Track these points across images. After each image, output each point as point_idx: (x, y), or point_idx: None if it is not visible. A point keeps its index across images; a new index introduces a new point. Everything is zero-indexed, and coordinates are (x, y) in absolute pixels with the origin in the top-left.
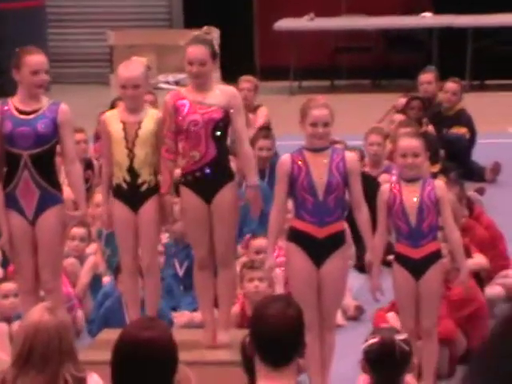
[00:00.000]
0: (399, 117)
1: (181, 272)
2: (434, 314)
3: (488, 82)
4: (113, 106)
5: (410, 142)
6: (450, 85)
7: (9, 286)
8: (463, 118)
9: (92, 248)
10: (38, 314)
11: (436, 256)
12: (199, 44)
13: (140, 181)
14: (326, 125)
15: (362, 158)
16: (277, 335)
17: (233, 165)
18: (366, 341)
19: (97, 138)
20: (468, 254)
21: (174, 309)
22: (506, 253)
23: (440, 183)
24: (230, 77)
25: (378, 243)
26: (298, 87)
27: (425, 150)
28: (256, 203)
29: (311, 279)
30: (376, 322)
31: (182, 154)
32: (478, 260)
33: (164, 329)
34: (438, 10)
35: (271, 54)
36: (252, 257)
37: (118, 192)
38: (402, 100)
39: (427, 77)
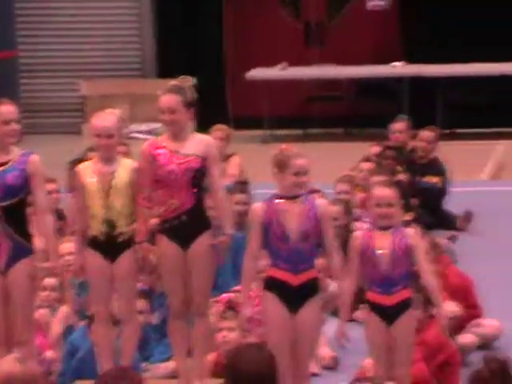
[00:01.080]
0: (367, 165)
1: (155, 320)
2: (407, 361)
3: (458, 130)
4: (84, 156)
5: (384, 192)
6: (427, 133)
7: None
8: (436, 167)
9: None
10: (8, 364)
11: (408, 303)
12: (171, 93)
13: (117, 232)
14: (306, 173)
15: (346, 211)
16: (250, 381)
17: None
18: None
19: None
20: None
21: (147, 358)
22: (477, 301)
23: (411, 231)
24: (203, 126)
25: (348, 289)
26: (271, 136)
27: (398, 199)
28: (224, 250)
29: (286, 327)
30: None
31: (161, 201)
32: (451, 308)
33: (137, 380)
34: (408, 59)
35: (244, 104)
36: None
37: (94, 243)
38: (374, 148)
39: (399, 126)
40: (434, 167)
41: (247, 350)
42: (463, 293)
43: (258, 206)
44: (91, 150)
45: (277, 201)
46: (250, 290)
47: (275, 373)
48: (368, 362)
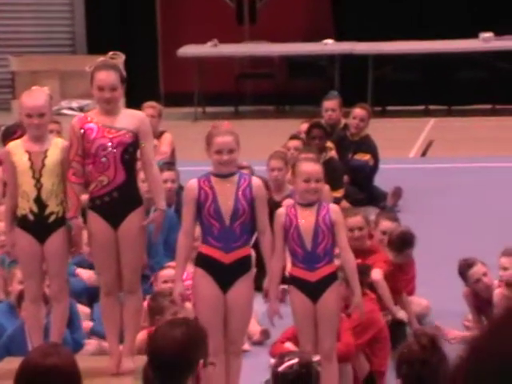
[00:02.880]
0: (294, 143)
1: None
2: (332, 335)
3: (389, 107)
4: (10, 132)
5: (313, 167)
6: (358, 111)
7: None
8: (368, 145)
9: None
10: None
11: (332, 278)
12: (109, 69)
13: (47, 211)
14: (230, 151)
15: (266, 185)
16: (164, 355)
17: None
18: (281, 363)
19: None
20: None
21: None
22: (415, 275)
23: (335, 207)
24: (134, 103)
25: (275, 267)
26: (203, 113)
27: (324, 176)
28: (159, 227)
29: (217, 304)
30: (274, 354)
31: (90, 178)
32: (374, 274)
33: (67, 356)
34: (339, 37)
35: (175, 80)
36: (160, 287)
37: (23, 223)
38: (304, 125)
39: (331, 103)
40: (366, 144)
41: (165, 325)
42: (405, 267)
43: (192, 183)
44: (18, 126)
45: (211, 178)
46: (184, 266)
47: (194, 345)
48: (289, 345)
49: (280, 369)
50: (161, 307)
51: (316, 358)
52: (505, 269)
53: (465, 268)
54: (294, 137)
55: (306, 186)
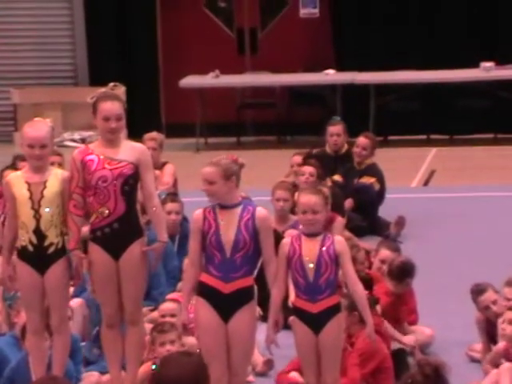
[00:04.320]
0: (309, 169)
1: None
2: (335, 367)
3: (391, 137)
4: (14, 164)
5: (309, 199)
6: (361, 139)
7: None
8: (373, 170)
9: None
10: None
11: (334, 310)
12: (114, 99)
13: (47, 242)
14: (211, 183)
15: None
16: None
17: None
18: None
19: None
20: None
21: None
22: (415, 306)
23: (339, 238)
24: (136, 134)
25: (276, 295)
26: (205, 144)
27: (324, 206)
28: (159, 258)
29: (219, 334)
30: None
31: (91, 209)
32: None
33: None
34: (340, 67)
35: (177, 111)
36: (159, 320)
37: (23, 254)
38: (296, 158)
39: (336, 128)
40: (372, 170)
41: (174, 357)
42: (405, 297)
43: (198, 213)
44: (19, 158)
45: (216, 208)
46: (190, 297)
47: (204, 380)
48: (295, 374)
49: None
50: (152, 338)
51: None
52: (508, 299)
53: (475, 293)
54: (306, 159)
55: (302, 217)
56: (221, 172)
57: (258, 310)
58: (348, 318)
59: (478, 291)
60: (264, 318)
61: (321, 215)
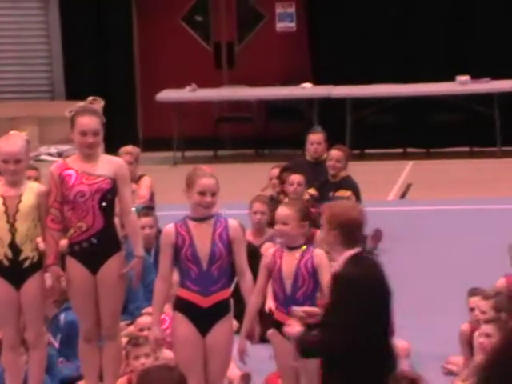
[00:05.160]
0: (297, 178)
1: (56, 343)
2: (314, 380)
3: (367, 151)
4: None
5: (281, 210)
6: (334, 152)
7: None
8: (349, 183)
9: None
10: None
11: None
12: (92, 114)
13: (22, 257)
14: (213, 194)
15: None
16: None
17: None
18: None
19: None
20: None
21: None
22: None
23: (319, 251)
24: (112, 148)
25: (252, 305)
26: (182, 157)
27: (297, 219)
28: (139, 274)
29: (197, 348)
30: None
31: (69, 224)
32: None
33: None
34: (317, 80)
35: (154, 125)
36: (136, 333)
37: None
38: (275, 171)
39: (316, 137)
40: (347, 183)
41: (155, 371)
42: None
43: (169, 228)
44: None
45: (188, 222)
46: (161, 311)
47: None
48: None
49: None
50: (126, 351)
51: None
52: (483, 312)
53: (469, 293)
54: (285, 170)
55: (274, 229)
56: (218, 184)
57: (235, 323)
58: None
59: (471, 292)
60: (240, 331)
61: (291, 228)
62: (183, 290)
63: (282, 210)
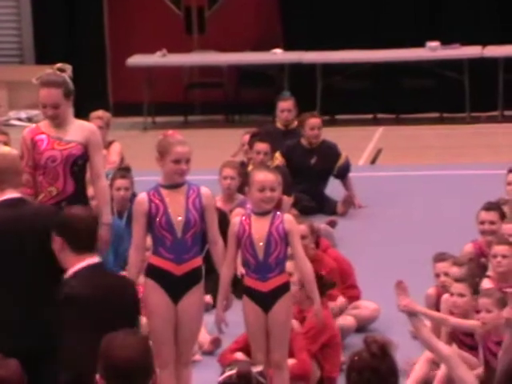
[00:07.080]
0: (263, 146)
1: None
2: (283, 346)
3: (338, 116)
4: None
5: (266, 176)
6: (314, 120)
7: None
8: (332, 148)
9: None
10: None
11: (284, 289)
12: (51, 87)
13: None
14: (187, 161)
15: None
16: (124, 365)
17: None
18: (223, 373)
19: None
20: None
21: None
22: (355, 283)
23: (289, 217)
24: (83, 113)
25: (225, 275)
26: (152, 123)
27: (280, 184)
28: (106, 242)
29: (169, 315)
30: (223, 363)
31: (40, 188)
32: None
33: (14, 367)
34: (288, 46)
35: (124, 90)
36: None
37: None
38: (246, 137)
39: (287, 104)
40: (330, 148)
41: (120, 335)
42: (342, 274)
43: (142, 197)
44: None
45: (161, 189)
46: (136, 280)
47: (148, 359)
48: (240, 355)
49: (219, 379)
50: None
51: (258, 368)
52: (437, 275)
53: (435, 259)
54: (255, 136)
55: (260, 196)
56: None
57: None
58: (299, 292)
59: (437, 258)
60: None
61: (277, 193)
62: (156, 257)
63: (268, 176)
